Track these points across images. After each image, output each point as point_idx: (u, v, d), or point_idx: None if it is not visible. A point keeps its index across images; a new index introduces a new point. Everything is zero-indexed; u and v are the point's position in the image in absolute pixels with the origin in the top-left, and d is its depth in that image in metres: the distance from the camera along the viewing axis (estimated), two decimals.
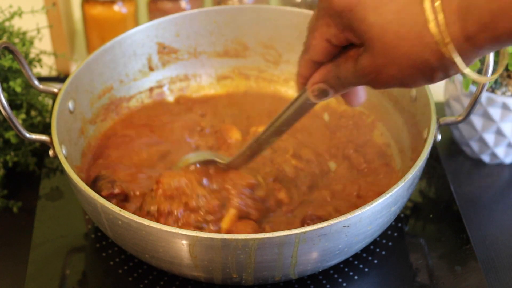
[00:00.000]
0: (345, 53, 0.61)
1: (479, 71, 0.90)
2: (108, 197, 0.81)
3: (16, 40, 0.95)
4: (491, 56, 0.75)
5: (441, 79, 0.57)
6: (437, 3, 0.53)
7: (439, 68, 0.55)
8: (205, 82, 1.03)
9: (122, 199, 0.83)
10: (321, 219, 0.80)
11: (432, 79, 0.57)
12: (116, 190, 0.83)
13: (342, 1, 0.57)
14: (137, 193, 0.84)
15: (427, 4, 0.53)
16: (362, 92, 0.67)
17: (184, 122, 0.97)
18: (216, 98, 1.02)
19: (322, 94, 0.65)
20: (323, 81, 0.64)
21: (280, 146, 0.91)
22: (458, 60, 0.54)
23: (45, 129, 0.98)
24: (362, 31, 0.57)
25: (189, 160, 0.84)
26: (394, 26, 0.54)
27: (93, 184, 0.84)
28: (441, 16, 0.53)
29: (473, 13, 0.52)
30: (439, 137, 0.81)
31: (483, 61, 0.89)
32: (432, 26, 0.53)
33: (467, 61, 0.55)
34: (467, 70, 0.55)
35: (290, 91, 1.02)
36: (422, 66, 0.55)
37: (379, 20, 0.55)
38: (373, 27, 0.56)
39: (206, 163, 0.84)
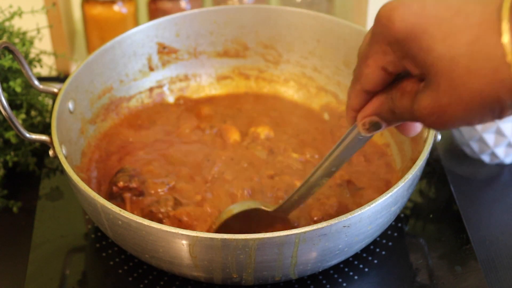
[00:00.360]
0: (401, 85, 0.55)
1: None
2: (123, 189, 0.83)
3: (16, 40, 0.95)
4: None
5: (510, 115, 0.51)
6: None
7: None
8: (205, 82, 1.03)
9: (137, 194, 0.84)
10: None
11: (501, 117, 0.51)
12: (133, 185, 0.83)
13: (405, 27, 0.51)
14: (152, 191, 0.84)
15: (505, 37, 0.47)
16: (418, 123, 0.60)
17: (184, 122, 0.97)
18: (216, 98, 1.02)
19: (374, 127, 0.59)
20: (376, 114, 0.58)
21: (279, 147, 0.91)
22: None
23: (45, 129, 0.98)
24: (427, 64, 0.50)
25: (233, 210, 0.80)
26: (465, 60, 0.48)
27: (115, 175, 0.85)
28: None
29: None
30: (439, 137, 0.81)
31: None
32: (510, 59, 0.47)
33: None
34: None
35: (290, 91, 1.02)
36: (493, 105, 0.49)
37: (449, 53, 0.49)
38: (440, 60, 0.49)
39: (250, 212, 0.80)
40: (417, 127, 0.60)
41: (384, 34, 0.52)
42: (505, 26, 0.47)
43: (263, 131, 0.94)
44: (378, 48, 0.54)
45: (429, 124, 0.53)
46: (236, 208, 0.80)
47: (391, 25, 0.51)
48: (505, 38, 0.47)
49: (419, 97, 0.52)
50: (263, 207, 0.80)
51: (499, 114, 0.50)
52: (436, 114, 0.51)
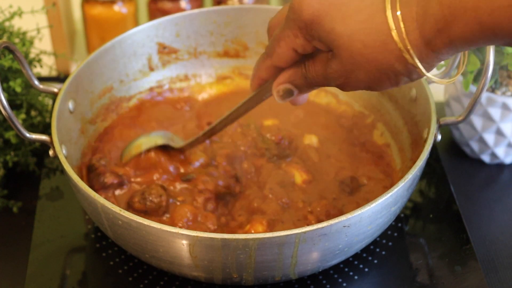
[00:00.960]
0: (314, 56, 0.64)
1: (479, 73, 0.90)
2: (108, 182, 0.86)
3: (16, 40, 0.95)
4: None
5: (405, 82, 0.61)
6: (398, 12, 0.56)
7: (403, 73, 0.59)
8: (205, 82, 1.03)
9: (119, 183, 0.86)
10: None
11: (397, 83, 0.61)
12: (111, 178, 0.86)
13: (311, 13, 0.60)
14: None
15: (389, 14, 0.57)
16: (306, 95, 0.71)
17: (184, 122, 0.97)
18: (216, 98, 1.02)
19: (287, 94, 0.68)
20: (290, 81, 0.67)
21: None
22: (419, 65, 0.57)
23: (45, 129, 0.98)
24: (330, 41, 0.60)
25: (141, 146, 0.87)
26: (360, 36, 0.58)
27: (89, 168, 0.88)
28: (402, 25, 0.56)
29: (429, 20, 0.55)
30: (439, 137, 0.81)
31: (483, 62, 0.89)
32: (394, 34, 0.57)
33: (428, 65, 0.58)
34: (428, 74, 0.59)
35: None
36: (387, 71, 0.59)
37: (346, 30, 0.58)
38: (341, 37, 0.59)
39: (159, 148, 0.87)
40: (305, 98, 0.71)
41: (295, 20, 0.61)
42: (387, 5, 0.57)
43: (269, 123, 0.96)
44: (290, 32, 0.63)
45: (339, 85, 0.63)
46: (144, 143, 0.87)
47: (300, 12, 0.60)
48: (389, 16, 0.56)
49: (329, 63, 0.62)
50: (170, 143, 0.87)
51: (395, 81, 0.60)
52: (343, 76, 0.61)
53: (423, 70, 0.58)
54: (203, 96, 1.02)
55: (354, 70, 0.60)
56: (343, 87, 0.63)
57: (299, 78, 0.66)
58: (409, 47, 0.57)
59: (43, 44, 1.10)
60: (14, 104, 0.94)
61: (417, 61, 0.57)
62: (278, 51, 0.65)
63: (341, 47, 0.59)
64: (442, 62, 0.95)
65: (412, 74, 0.59)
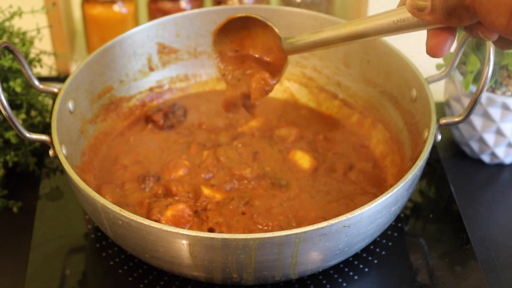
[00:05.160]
0: None
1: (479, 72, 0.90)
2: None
3: (16, 40, 0.95)
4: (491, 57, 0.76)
5: None
6: None
7: None
8: (205, 82, 1.03)
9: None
10: None
11: None
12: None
13: None
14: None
15: None
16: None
17: (170, 141, 0.96)
18: (216, 99, 1.02)
19: (420, 8, 0.61)
20: None
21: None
22: None
23: (45, 129, 0.98)
24: None
25: (238, 14, 0.78)
26: None
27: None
28: None
29: None
30: (439, 137, 0.81)
31: (483, 62, 0.89)
32: None
33: None
34: None
35: (292, 87, 1.02)
36: None
37: None
38: None
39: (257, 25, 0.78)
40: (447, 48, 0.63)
41: None
42: None
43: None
44: None
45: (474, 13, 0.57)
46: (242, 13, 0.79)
47: None
48: None
49: None
50: (276, 29, 0.77)
51: None
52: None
53: None
54: (203, 96, 1.02)
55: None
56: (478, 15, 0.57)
57: None
58: None
59: (43, 44, 1.10)
60: (14, 104, 0.94)
61: None
62: None
63: None
64: (442, 62, 0.95)
65: None
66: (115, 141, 0.94)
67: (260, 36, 0.78)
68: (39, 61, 0.99)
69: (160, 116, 0.96)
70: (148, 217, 0.81)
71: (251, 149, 0.91)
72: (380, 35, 0.66)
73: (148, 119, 0.97)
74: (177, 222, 0.81)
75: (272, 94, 1.02)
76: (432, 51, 0.63)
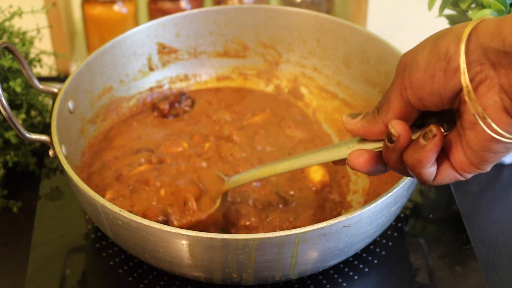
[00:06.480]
0: None
1: None
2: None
3: (16, 40, 0.95)
4: None
5: None
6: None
7: None
8: (205, 82, 1.03)
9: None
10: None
11: None
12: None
13: None
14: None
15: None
16: None
17: (184, 122, 0.97)
18: (216, 98, 1.02)
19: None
20: None
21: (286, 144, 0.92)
22: None
23: (45, 129, 0.98)
24: None
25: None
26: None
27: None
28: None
29: None
30: None
31: None
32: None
33: None
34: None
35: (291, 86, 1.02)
36: None
37: None
38: None
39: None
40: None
41: None
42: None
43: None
44: None
45: None
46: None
47: None
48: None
49: None
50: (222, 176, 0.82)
51: None
52: None
53: None
54: (203, 96, 1.02)
55: None
56: None
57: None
58: None
59: (43, 44, 1.10)
60: (14, 104, 0.94)
61: None
62: None
63: None
64: None
65: None
66: (118, 124, 0.95)
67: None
68: (39, 61, 0.99)
69: (166, 104, 0.96)
70: (147, 184, 0.82)
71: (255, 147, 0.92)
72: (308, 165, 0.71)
73: (154, 106, 0.98)
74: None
75: (271, 93, 1.02)
76: (354, 168, 0.63)
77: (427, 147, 0.57)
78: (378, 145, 0.62)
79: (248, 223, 0.81)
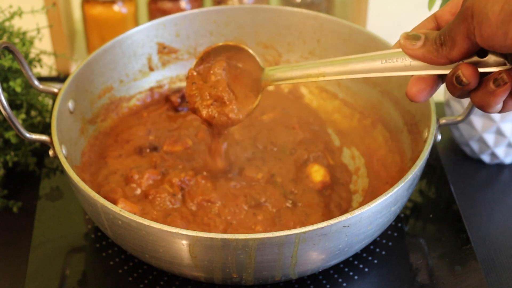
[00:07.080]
0: None
1: None
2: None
3: (16, 40, 0.95)
4: None
5: None
6: None
7: None
8: None
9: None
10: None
11: None
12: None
13: None
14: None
15: None
16: None
17: (183, 122, 0.97)
18: None
19: (414, 38, 0.62)
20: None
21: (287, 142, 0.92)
22: None
23: (45, 129, 0.98)
24: None
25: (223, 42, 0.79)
26: None
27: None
28: None
29: None
30: (439, 137, 0.81)
31: None
32: None
33: None
34: None
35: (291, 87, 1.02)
36: None
37: None
38: None
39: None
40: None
41: None
42: None
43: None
44: None
45: None
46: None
47: None
48: None
49: None
50: (258, 60, 0.78)
51: None
52: None
53: None
54: None
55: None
56: None
57: None
58: None
59: (43, 44, 1.10)
60: (14, 104, 0.94)
61: None
62: None
63: None
64: None
65: None
66: (128, 114, 0.96)
67: (242, 65, 0.79)
68: (39, 61, 0.99)
69: (177, 97, 0.97)
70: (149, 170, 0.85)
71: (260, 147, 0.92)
72: (364, 74, 0.66)
73: (166, 98, 0.99)
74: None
75: (271, 93, 1.02)
76: (411, 97, 0.64)
77: (496, 92, 0.58)
78: (437, 72, 0.62)
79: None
